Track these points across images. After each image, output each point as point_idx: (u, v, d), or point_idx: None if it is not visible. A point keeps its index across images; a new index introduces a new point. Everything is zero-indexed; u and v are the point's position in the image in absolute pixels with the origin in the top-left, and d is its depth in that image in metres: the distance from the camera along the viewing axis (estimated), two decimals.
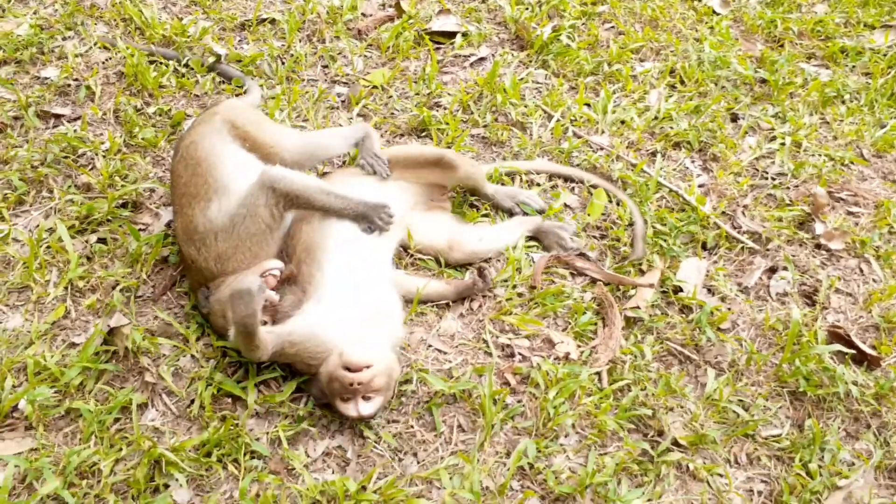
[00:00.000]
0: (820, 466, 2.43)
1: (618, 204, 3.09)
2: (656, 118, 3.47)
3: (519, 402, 2.53)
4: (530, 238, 2.96)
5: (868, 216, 3.18)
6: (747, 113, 3.57)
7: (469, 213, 3.02)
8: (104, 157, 3.12)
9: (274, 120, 3.20)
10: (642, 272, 2.89)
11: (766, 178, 3.30)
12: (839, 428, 2.56)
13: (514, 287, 2.80)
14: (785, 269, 2.95)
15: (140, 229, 2.90)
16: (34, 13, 3.72)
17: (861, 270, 3.01)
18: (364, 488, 2.28)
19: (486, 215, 3.03)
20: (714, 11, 4.17)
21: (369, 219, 2.67)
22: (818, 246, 3.07)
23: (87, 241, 2.86)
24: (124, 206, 2.99)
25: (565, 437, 2.46)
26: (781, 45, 4.03)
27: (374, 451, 2.41)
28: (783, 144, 3.41)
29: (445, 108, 3.43)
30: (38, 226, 2.88)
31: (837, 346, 2.66)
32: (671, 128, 3.42)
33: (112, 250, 2.84)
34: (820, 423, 2.53)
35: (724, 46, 3.87)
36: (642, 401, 2.53)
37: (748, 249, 3.02)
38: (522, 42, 3.83)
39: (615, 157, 3.27)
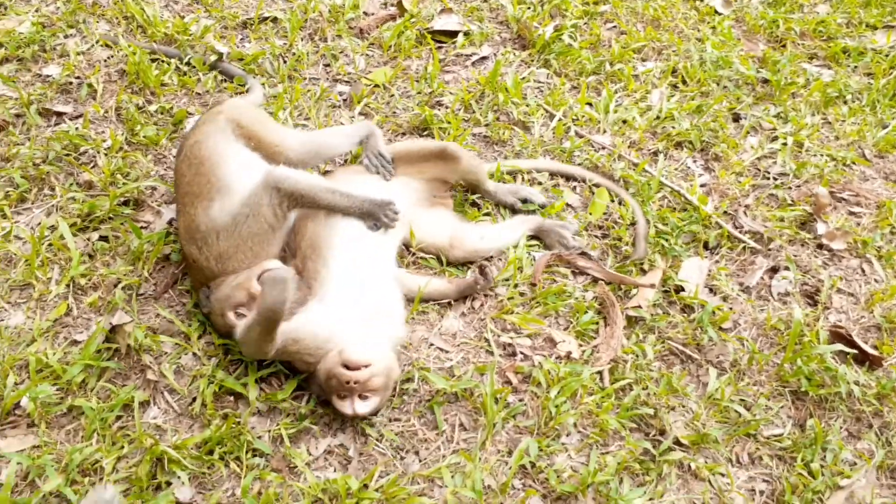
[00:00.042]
0: (822, 466, 2.43)
1: (620, 203, 3.09)
2: (658, 118, 3.47)
3: (520, 400, 2.53)
4: (532, 237, 2.96)
5: (870, 216, 3.18)
6: (749, 113, 3.57)
7: (471, 211, 3.02)
8: (106, 154, 3.12)
9: (276, 119, 3.20)
10: (644, 271, 2.89)
11: (768, 178, 3.30)
12: (841, 428, 2.56)
13: (516, 286, 2.80)
14: (787, 268, 2.95)
15: (142, 227, 2.90)
16: (36, 11, 3.72)
17: (863, 270, 3.01)
18: (366, 486, 2.28)
19: (487, 214, 3.03)
20: (716, 11, 4.17)
21: (375, 216, 2.67)
22: (820, 246, 3.07)
23: (88, 239, 2.86)
24: (126, 203, 2.98)
25: (567, 435, 2.46)
26: (783, 46, 4.03)
27: (376, 449, 2.41)
28: (785, 144, 3.41)
29: (447, 107, 3.43)
30: (39, 223, 2.88)
31: (839, 346, 2.66)
32: (673, 127, 3.42)
33: (114, 248, 2.84)
34: (822, 423, 2.53)
35: (726, 46, 3.87)
36: (644, 400, 2.53)
37: (750, 249, 3.02)
38: (524, 41, 3.83)
39: (617, 156, 3.27)
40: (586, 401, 2.50)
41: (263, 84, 3.43)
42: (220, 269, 2.55)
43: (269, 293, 2.30)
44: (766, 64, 3.83)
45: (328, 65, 3.64)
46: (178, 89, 3.42)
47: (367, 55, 3.69)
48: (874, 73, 3.86)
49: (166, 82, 3.42)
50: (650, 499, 2.33)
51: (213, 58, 3.49)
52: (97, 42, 3.56)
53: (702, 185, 3.22)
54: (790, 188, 3.26)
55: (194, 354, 2.58)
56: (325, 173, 3.00)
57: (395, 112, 3.41)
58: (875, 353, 2.70)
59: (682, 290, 2.83)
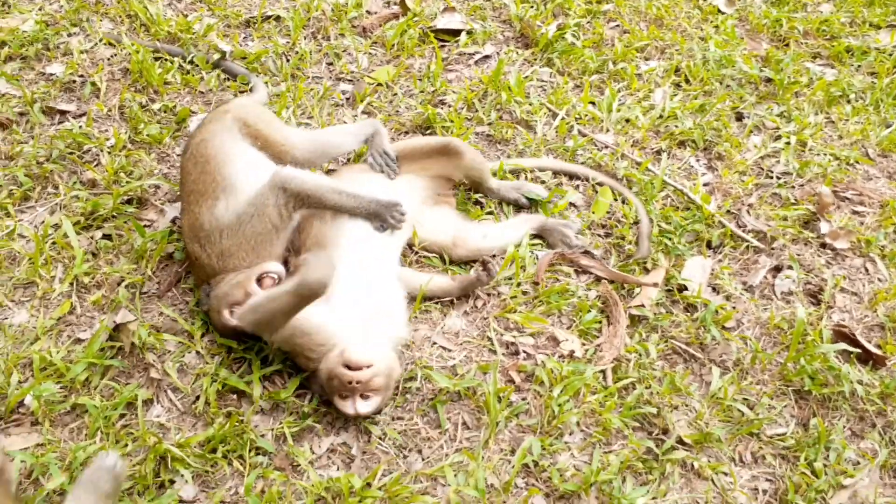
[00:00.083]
0: (825, 465, 2.43)
1: (623, 202, 3.09)
2: (661, 117, 3.47)
3: (523, 399, 2.53)
4: (535, 236, 2.96)
5: (873, 215, 3.18)
6: (752, 112, 3.57)
7: (474, 210, 3.02)
8: (109, 153, 3.12)
9: (279, 118, 3.19)
10: (647, 270, 2.88)
11: (772, 177, 3.30)
12: (844, 427, 2.55)
13: (519, 285, 2.80)
14: (790, 267, 2.95)
15: (145, 226, 2.90)
16: (39, 9, 3.72)
17: (866, 269, 3.00)
18: (369, 485, 2.28)
19: (490, 212, 3.03)
20: (719, 10, 4.16)
21: (382, 217, 2.66)
22: (823, 245, 3.06)
23: (92, 238, 2.86)
24: (129, 202, 2.99)
25: (570, 434, 2.46)
26: (787, 45, 4.02)
27: (379, 447, 2.41)
28: (788, 143, 3.41)
29: (450, 106, 3.43)
30: (43, 222, 2.89)
31: (842, 345, 2.66)
32: (676, 126, 3.42)
33: (117, 246, 2.84)
34: (825, 422, 2.53)
35: (729, 45, 3.87)
36: (647, 399, 2.53)
37: (753, 248, 3.02)
38: (527, 40, 3.83)
39: (620, 155, 3.27)
40: (589, 400, 2.50)
41: (266, 83, 3.44)
42: (221, 267, 2.56)
43: (317, 270, 2.29)
44: (770, 63, 3.82)
45: (331, 63, 3.64)
46: (181, 88, 3.42)
47: (370, 54, 3.69)
48: (878, 72, 3.85)
49: (169, 81, 3.42)
50: (653, 498, 2.33)
51: (216, 56, 3.50)
52: (101, 40, 3.56)
53: (705, 185, 3.22)
54: (793, 187, 3.26)
55: (198, 353, 2.58)
56: (329, 172, 3.00)
57: (397, 111, 3.41)
58: (878, 352, 2.70)
59: (686, 289, 2.83)
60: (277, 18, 3.79)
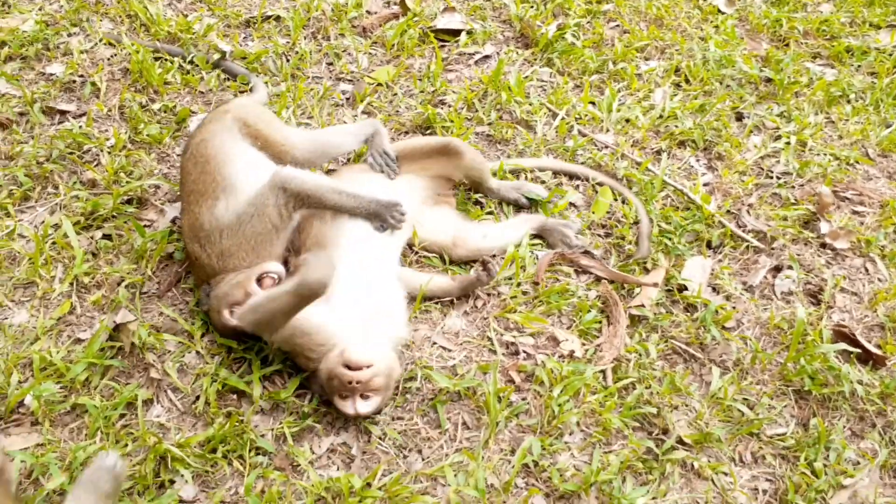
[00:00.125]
0: (825, 465, 2.43)
1: (623, 202, 3.09)
2: (661, 117, 3.47)
3: (523, 399, 2.53)
4: (535, 236, 2.96)
5: (873, 215, 3.18)
6: (752, 112, 3.57)
7: (474, 210, 3.02)
8: (109, 153, 3.12)
9: (279, 118, 3.19)
10: (647, 270, 2.88)
11: (771, 177, 3.30)
12: (844, 427, 2.55)
13: (519, 285, 2.80)
14: (790, 267, 2.95)
15: (145, 226, 2.90)
16: (39, 9, 3.72)
17: (866, 269, 3.00)
18: (369, 485, 2.28)
19: (490, 212, 3.03)
20: (719, 10, 4.16)
21: (382, 217, 2.66)
22: (823, 245, 3.06)
23: (92, 238, 2.86)
24: (129, 202, 2.99)
25: (570, 434, 2.46)
26: (787, 45, 4.02)
27: (379, 447, 2.41)
28: (788, 143, 3.41)
29: (450, 106, 3.43)
30: (43, 222, 2.89)
31: (842, 345, 2.66)
32: (676, 126, 3.42)
33: (117, 246, 2.84)
34: (825, 422, 2.53)
35: (729, 45, 3.87)
36: (647, 399, 2.53)
37: (753, 248, 3.02)
38: (527, 40, 3.83)
39: (620, 155, 3.27)
40: (589, 400, 2.50)
41: (266, 83, 3.44)
42: (221, 267, 2.56)
43: (317, 270, 2.29)
44: (770, 63, 3.82)
45: (331, 63, 3.64)
46: (181, 88, 3.42)
47: (370, 54, 3.69)
48: (878, 72, 3.85)
49: (169, 81, 3.42)
50: (653, 498, 2.33)
51: (216, 56, 3.49)
52: (101, 40, 3.56)
53: (705, 184, 3.22)
54: (793, 187, 3.26)
55: (198, 353, 2.58)
56: (329, 172, 3.00)
57: (397, 111, 3.41)
58: (878, 352, 2.70)
59: (686, 289, 2.83)
60: (277, 18, 3.79)
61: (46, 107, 3.29)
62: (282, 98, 3.33)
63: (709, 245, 3.01)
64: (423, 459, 2.39)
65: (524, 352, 2.64)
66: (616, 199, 3.10)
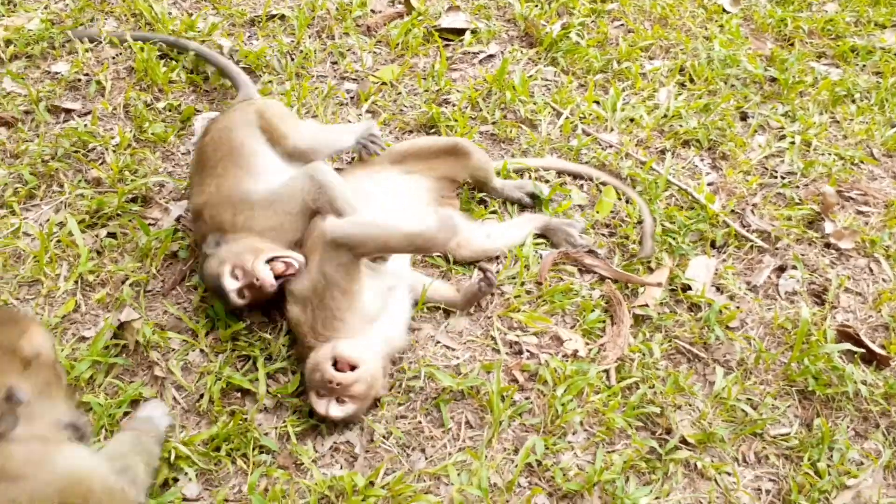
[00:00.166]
0: (828, 466, 2.43)
1: (627, 201, 3.09)
2: (665, 116, 3.46)
3: (527, 398, 2.53)
4: (539, 235, 2.96)
5: (878, 215, 3.17)
6: (757, 111, 3.56)
7: (477, 209, 3.02)
8: (114, 151, 3.13)
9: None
10: (651, 270, 2.88)
11: (776, 177, 3.30)
12: (848, 427, 2.55)
13: (523, 284, 2.80)
14: (794, 267, 2.95)
15: (150, 224, 2.91)
16: (45, 8, 3.73)
17: (870, 270, 3.00)
18: (372, 483, 2.28)
19: (493, 212, 3.03)
20: (724, 10, 4.16)
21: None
22: (827, 245, 3.06)
23: (97, 236, 2.87)
24: (134, 200, 3.00)
25: (573, 434, 2.46)
26: (791, 44, 4.01)
27: (382, 446, 2.41)
28: (793, 143, 3.40)
29: (454, 105, 3.43)
30: (48, 220, 2.89)
31: (846, 346, 2.66)
32: (680, 126, 3.42)
33: (122, 245, 2.85)
34: (829, 423, 2.52)
35: (733, 45, 3.86)
36: (650, 399, 2.53)
37: (757, 248, 3.02)
38: (532, 39, 3.83)
39: (624, 154, 3.26)
40: (593, 399, 2.50)
41: (271, 81, 3.44)
42: (242, 227, 2.58)
43: (442, 228, 2.36)
44: (774, 62, 3.81)
45: (335, 62, 3.64)
46: (186, 86, 3.43)
47: (374, 53, 3.69)
48: (883, 71, 3.84)
49: (174, 79, 3.43)
50: (656, 497, 2.33)
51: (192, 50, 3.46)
52: (105, 39, 3.56)
53: (709, 184, 3.22)
54: (798, 187, 3.25)
55: (202, 351, 2.59)
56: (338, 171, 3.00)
57: (402, 110, 3.42)
58: (882, 352, 2.69)
59: (689, 288, 2.82)
60: (282, 17, 3.80)
61: (52, 105, 3.30)
62: (286, 97, 3.33)
63: (713, 245, 3.01)
64: (426, 458, 2.40)
65: (528, 351, 2.64)
66: (620, 199, 3.10)
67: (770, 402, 2.56)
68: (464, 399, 2.53)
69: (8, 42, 3.51)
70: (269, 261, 2.50)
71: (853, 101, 3.69)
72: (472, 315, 2.74)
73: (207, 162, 2.70)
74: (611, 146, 3.31)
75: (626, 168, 3.19)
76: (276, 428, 2.43)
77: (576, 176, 3.20)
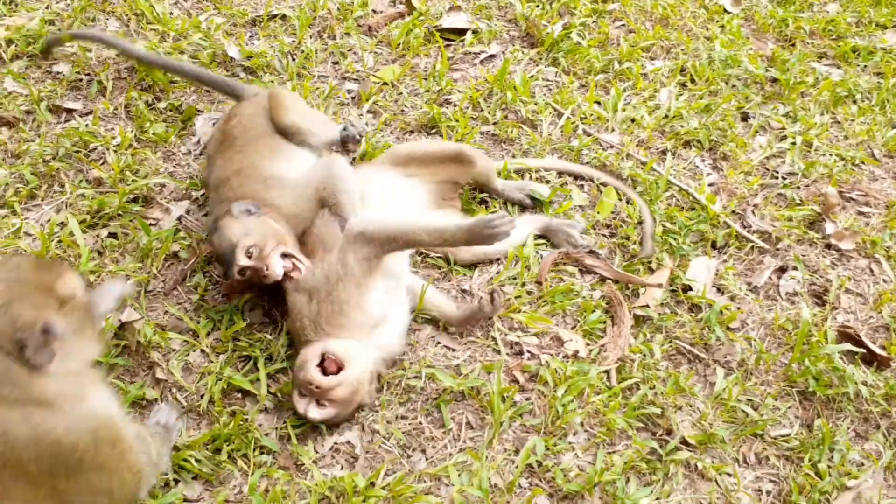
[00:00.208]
0: (829, 466, 2.43)
1: (627, 202, 3.09)
2: (666, 116, 3.46)
3: (527, 399, 2.53)
4: (539, 236, 2.96)
5: (879, 216, 3.17)
6: (758, 112, 3.56)
7: (478, 209, 3.02)
8: (115, 151, 3.13)
9: None
10: (651, 271, 2.88)
11: (777, 178, 3.30)
12: (848, 428, 2.55)
13: (523, 284, 2.80)
14: (795, 268, 2.94)
15: (150, 224, 2.91)
16: (46, 7, 3.73)
17: (871, 271, 3.00)
18: (372, 484, 2.28)
19: (494, 212, 3.03)
20: (725, 10, 4.15)
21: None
22: (828, 246, 3.06)
23: (98, 236, 2.87)
24: (135, 200, 3.00)
25: (574, 434, 2.46)
26: (793, 44, 4.01)
27: (383, 447, 2.41)
28: (794, 144, 3.40)
29: (455, 105, 3.43)
30: (49, 220, 2.90)
31: (847, 346, 2.65)
32: (681, 126, 3.41)
33: (123, 245, 2.85)
34: (829, 423, 2.52)
35: (734, 45, 3.86)
36: (651, 399, 2.53)
37: (758, 249, 3.02)
38: (533, 39, 3.83)
39: (625, 155, 3.26)
40: (593, 400, 2.50)
41: (272, 81, 3.44)
42: (266, 201, 2.63)
43: (502, 224, 2.40)
44: (775, 63, 3.81)
45: (337, 62, 3.64)
46: (186, 87, 3.43)
47: (375, 53, 3.69)
48: (884, 72, 3.84)
49: (175, 80, 3.42)
50: (657, 498, 2.33)
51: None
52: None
53: (710, 185, 3.22)
54: (799, 188, 3.25)
55: (202, 351, 2.59)
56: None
57: (403, 110, 3.42)
58: (883, 353, 2.69)
59: (690, 289, 2.83)
60: (283, 17, 3.80)
61: (53, 105, 3.30)
62: None
63: (713, 245, 3.01)
64: (426, 459, 2.40)
65: (528, 352, 2.64)
66: (620, 199, 3.10)
67: (771, 402, 2.56)
68: (464, 399, 2.53)
69: (9, 42, 3.51)
70: (284, 255, 2.51)
71: (854, 102, 3.69)
72: None
73: (235, 142, 2.78)
74: (612, 147, 3.31)
75: (626, 168, 3.19)
76: (276, 428, 2.43)
77: (577, 176, 3.20)
